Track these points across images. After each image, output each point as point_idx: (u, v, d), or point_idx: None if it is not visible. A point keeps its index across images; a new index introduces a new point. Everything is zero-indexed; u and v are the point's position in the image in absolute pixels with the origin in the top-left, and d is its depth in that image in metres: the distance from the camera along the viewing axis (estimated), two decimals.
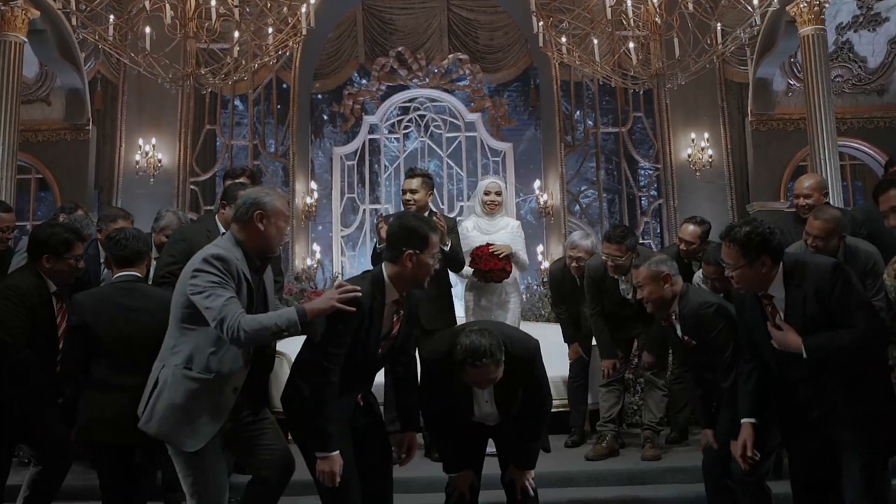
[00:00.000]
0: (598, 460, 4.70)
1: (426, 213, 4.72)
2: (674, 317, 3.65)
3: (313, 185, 9.95)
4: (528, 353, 3.21)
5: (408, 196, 4.81)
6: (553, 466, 4.39)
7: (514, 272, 5.16)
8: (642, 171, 11.13)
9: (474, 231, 5.17)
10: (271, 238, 2.89)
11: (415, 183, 4.81)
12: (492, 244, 4.99)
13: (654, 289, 3.61)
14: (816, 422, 3.07)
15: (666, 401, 5.00)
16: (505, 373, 3.11)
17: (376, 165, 11.16)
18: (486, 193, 5.22)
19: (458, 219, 5.68)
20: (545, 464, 4.61)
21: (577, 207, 10.60)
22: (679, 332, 3.67)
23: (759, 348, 3.18)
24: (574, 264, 5.12)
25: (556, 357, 5.23)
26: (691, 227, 5.04)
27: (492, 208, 5.20)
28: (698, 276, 4.74)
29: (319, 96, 11.45)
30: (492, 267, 4.92)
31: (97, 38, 7.58)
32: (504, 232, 5.14)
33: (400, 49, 10.82)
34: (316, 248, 9.52)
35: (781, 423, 3.22)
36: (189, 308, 2.76)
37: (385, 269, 2.98)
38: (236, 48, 8.07)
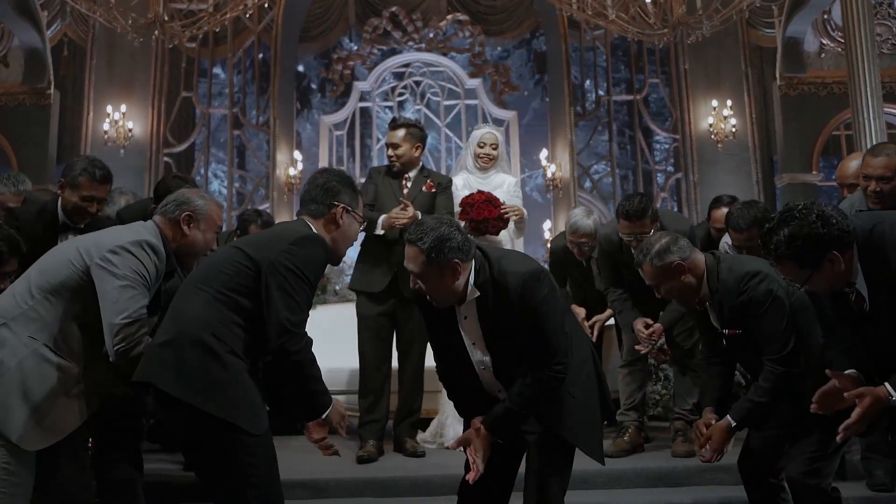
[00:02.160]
0: (619, 457, 3.98)
1: (417, 172, 4.27)
2: (707, 304, 2.86)
3: (297, 154, 9.15)
4: (517, 279, 2.40)
5: (389, 152, 4.24)
6: None
7: (511, 235, 4.56)
8: (658, 144, 10.45)
9: (464, 190, 4.53)
10: (195, 245, 2.57)
11: (398, 135, 4.22)
12: (482, 192, 4.31)
13: (672, 285, 2.82)
14: None
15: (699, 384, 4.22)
16: (489, 307, 2.44)
17: (368, 137, 10.38)
18: (480, 146, 4.57)
19: None
20: None
21: (589, 183, 9.89)
22: (716, 323, 2.88)
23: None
24: (576, 250, 4.47)
25: None
26: (725, 211, 4.29)
27: (485, 163, 4.56)
28: (725, 242, 4.09)
29: (303, 68, 10.66)
30: (486, 215, 4.21)
31: None
32: (500, 191, 4.49)
33: (394, 9, 10.08)
34: None
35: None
36: (80, 277, 2.36)
37: (311, 225, 2.47)
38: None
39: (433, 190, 4.28)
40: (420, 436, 4.25)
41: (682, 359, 4.20)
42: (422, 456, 4.03)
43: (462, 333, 2.52)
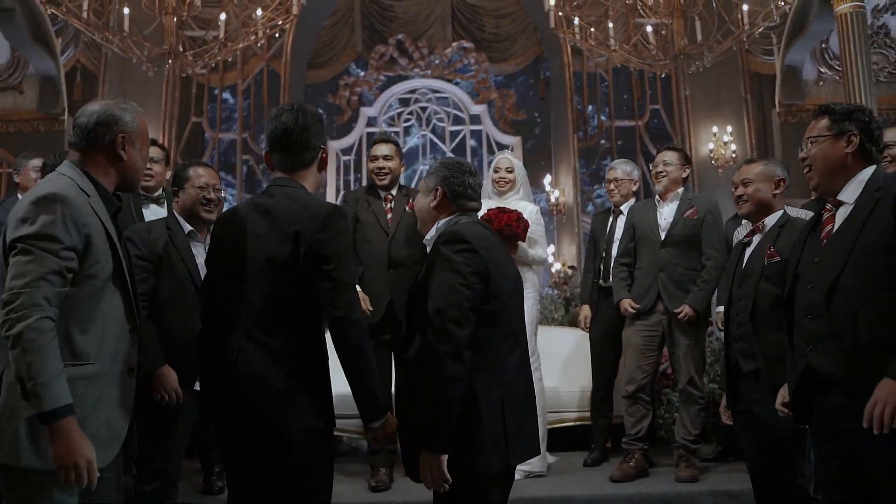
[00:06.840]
0: (625, 482, 4.10)
1: (397, 191, 4.29)
2: (760, 228, 3.05)
3: None
4: (445, 235, 2.29)
5: (381, 164, 4.23)
6: (572, 489, 3.97)
7: (532, 275, 4.51)
8: None
9: None
10: (136, 166, 2.21)
11: (389, 149, 4.28)
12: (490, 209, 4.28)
13: (764, 188, 3.11)
14: None
15: (703, 417, 4.33)
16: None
17: None
18: (496, 170, 4.71)
19: None
20: (564, 486, 4.03)
21: (591, 207, 9.96)
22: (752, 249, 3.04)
23: None
24: (612, 187, 4.83)
25: (574, 366, 4.77)
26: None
27: (501, 186, 4.63)
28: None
29: (311, 91, 10.77)
30: (506, 220, 4.14)
31: (65, 11, 6.92)
32: None
33: (400, 37, 10.22)
34: None
35: None
36: None
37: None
38: (222, 27, 7.40)
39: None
40: None
41: (688, 390, 4.22)
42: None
43: None
